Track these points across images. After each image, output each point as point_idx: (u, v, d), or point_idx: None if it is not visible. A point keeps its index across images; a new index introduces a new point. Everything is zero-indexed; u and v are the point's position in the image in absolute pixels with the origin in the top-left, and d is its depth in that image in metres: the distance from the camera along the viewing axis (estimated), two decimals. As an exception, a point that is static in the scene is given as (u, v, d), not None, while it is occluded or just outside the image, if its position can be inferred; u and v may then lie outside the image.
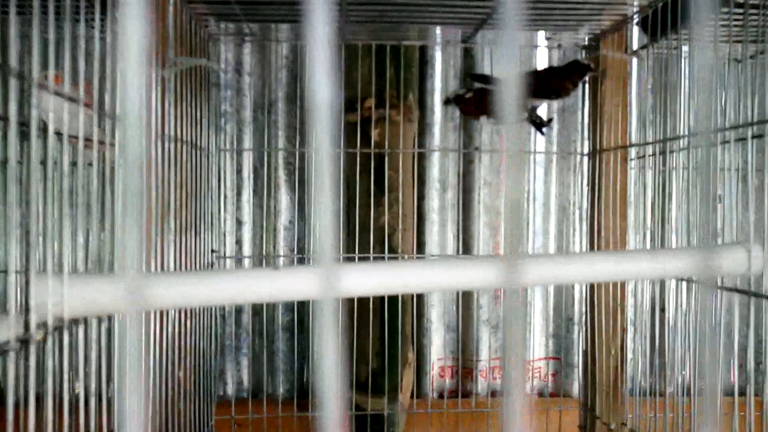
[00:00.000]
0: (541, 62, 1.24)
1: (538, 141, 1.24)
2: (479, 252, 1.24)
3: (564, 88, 1.00)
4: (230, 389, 1.23)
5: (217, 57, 1.18)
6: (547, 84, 0.99)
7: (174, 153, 0.78)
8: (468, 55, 1.24)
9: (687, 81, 1.27)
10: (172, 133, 0.78)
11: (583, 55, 1.15)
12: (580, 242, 1.24)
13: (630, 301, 1.07)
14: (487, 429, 1.19)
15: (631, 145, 0.98)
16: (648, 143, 0.91)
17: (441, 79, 1.23)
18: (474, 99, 1.01)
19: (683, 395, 0.85)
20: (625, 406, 0.99)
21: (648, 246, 0.99)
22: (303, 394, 1.22)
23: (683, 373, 0.93)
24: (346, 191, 1.18)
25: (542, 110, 1.23)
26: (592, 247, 1.07)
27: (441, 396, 1.25)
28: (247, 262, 1.22)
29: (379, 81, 1.07)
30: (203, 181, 0.95)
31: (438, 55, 1.23)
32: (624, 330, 0.99)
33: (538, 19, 1.00)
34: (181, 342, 0.80)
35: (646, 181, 0.93)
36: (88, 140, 0.67)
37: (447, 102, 1.03)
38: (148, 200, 0.67)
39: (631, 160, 0.98)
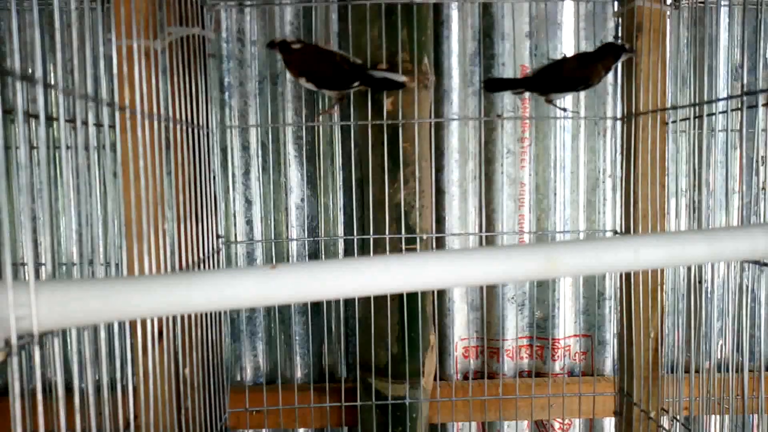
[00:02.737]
0: (568, 23, 1.13)
1: (565, 104, 1.14)
2: (503, 228, 1.16)
3: (595, 74, 0.91)
4: (247, 375, 1.19)
5: (217, 25, 1.10)
6: (573, 75, 0.91)
7: (167, 134, 0.71)
8: (487, 13, 1.13)
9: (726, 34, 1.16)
10: (164, 112, 0.71)
11: (615, 7, 1.04)
12: (613, 213, 1.16)
13: (667, 274, 0.99)
14: (515, 413, 1.13)
15: (674, 107, 0.88)
16: (694, 104, 0.81)
17: (458, 41, 1.13)
18: (301, 53, 0.90)
19: (723, 371, 0.79)
20: (664, 390, 0.93)
21: (688, 217, 0.91)
22: (321, 378, 1.18)
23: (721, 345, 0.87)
24: (359, 167, 1.10)
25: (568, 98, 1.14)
26: (627, 219, 0.99)
27: (465, 378, 1.20)
28: (258, 247, 1.16)
29: (391, 44, 0.97)
30: (203, 162, 0.88)
31: (454, 14, 1.12)
32: (663, 310, 0.91)
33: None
34: (185, 337, 0.75)
35: (689, 145, 0.84)
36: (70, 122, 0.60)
37: (270, 45, 0.92)
38: (137, 189, 0.61)
39: (673, 122, 0.88)
